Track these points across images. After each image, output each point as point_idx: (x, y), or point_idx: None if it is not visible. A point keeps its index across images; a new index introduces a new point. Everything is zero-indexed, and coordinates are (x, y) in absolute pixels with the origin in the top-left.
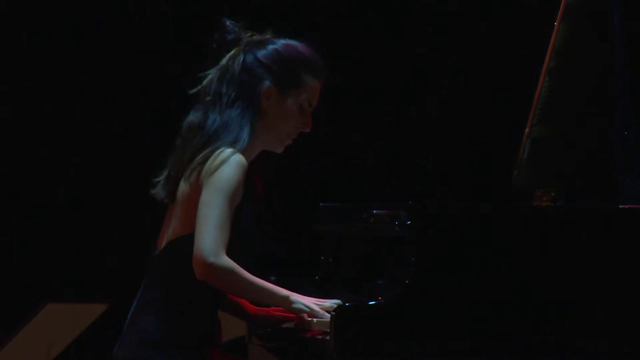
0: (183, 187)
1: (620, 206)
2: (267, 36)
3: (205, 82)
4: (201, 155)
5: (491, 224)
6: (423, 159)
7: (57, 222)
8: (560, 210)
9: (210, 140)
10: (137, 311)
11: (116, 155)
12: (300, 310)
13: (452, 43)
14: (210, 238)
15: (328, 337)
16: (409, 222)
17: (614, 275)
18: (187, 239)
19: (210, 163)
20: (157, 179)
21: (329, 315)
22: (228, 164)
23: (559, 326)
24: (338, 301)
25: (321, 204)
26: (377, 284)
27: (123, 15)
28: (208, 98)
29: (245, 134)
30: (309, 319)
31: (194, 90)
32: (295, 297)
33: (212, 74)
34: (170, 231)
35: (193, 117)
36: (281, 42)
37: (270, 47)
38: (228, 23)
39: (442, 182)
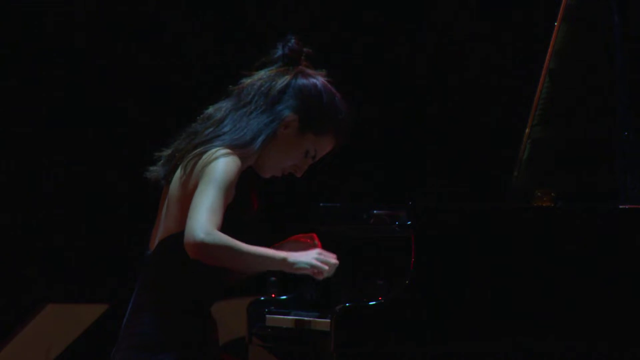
0: (179, 174)
1: (620, 206)
2: (319, 72)
3: (246, 82)
4: (203, 147)
5: (491, 224)
6: (423, 159)
7: (57, 222)
8: (560, 210)
9: (219, 136)
10: (132, 314)
11: (116, 156)
12: (303, 269)
13: (452, 43)
14: (200, 219)
15: (328, 337)
16: (409, 222)
17: (614, 275)
18: (179, 237)
19: (207, 158)
20: (160, 154)
21: (333, 263)
22: (223, 159)
23: (559, 326)
24: (335, 262)
25: (321, 204)
26: (377, 284)
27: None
28: (242, 99)
29: (256, 146)
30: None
31: (235, 87)
32: (294, 257)
33: (255, 79)
34: (162, 229)
35: (215, 109)
36: (325, 85)
37: (313, 82)
38: (293, 41)
39: (442, 182)
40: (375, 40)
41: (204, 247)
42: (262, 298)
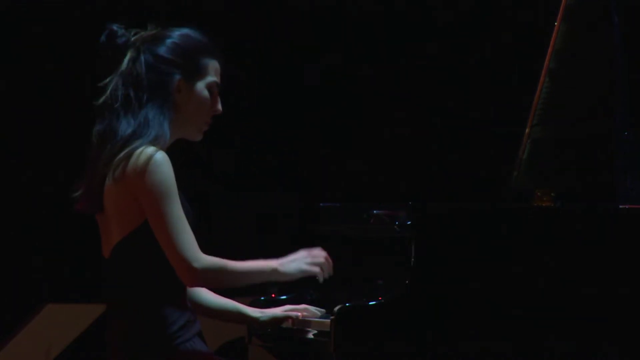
0: (109, 186)
1: (620, 206)
2: (155, 30)
3: (109, 90)
4: (124, 152)
5: (491, 224)
6: (423, 159)
7: (57, 222)
8: (560, 210)
9: (128, 142)
10: (109, 323)
11: None
12: (296, 276)
13: (452, 43)
14: (182, 246)
15: (328, 337)
16: (409, 222)
17: (614, 276)
18: (127, 242)
19: (135, 160)
20: (76, 194)
21: (323, 262)
22: (157, 167)
23: (558, 326)
24: (323, 260)
25: (321, 204)
26: (377, 284)
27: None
28: (117, 104)
29: (166, 130)
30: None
31: (100, 100)
32: (285, 266)
33: (114, 81)
34: (110, 238)
35: (102, 126)
36: (176, 34)
37: (168, 41)
38: (115, 27)
39: (442, 182)
40: (373, 39)
41: (200, 275)
42: (262, 298)
